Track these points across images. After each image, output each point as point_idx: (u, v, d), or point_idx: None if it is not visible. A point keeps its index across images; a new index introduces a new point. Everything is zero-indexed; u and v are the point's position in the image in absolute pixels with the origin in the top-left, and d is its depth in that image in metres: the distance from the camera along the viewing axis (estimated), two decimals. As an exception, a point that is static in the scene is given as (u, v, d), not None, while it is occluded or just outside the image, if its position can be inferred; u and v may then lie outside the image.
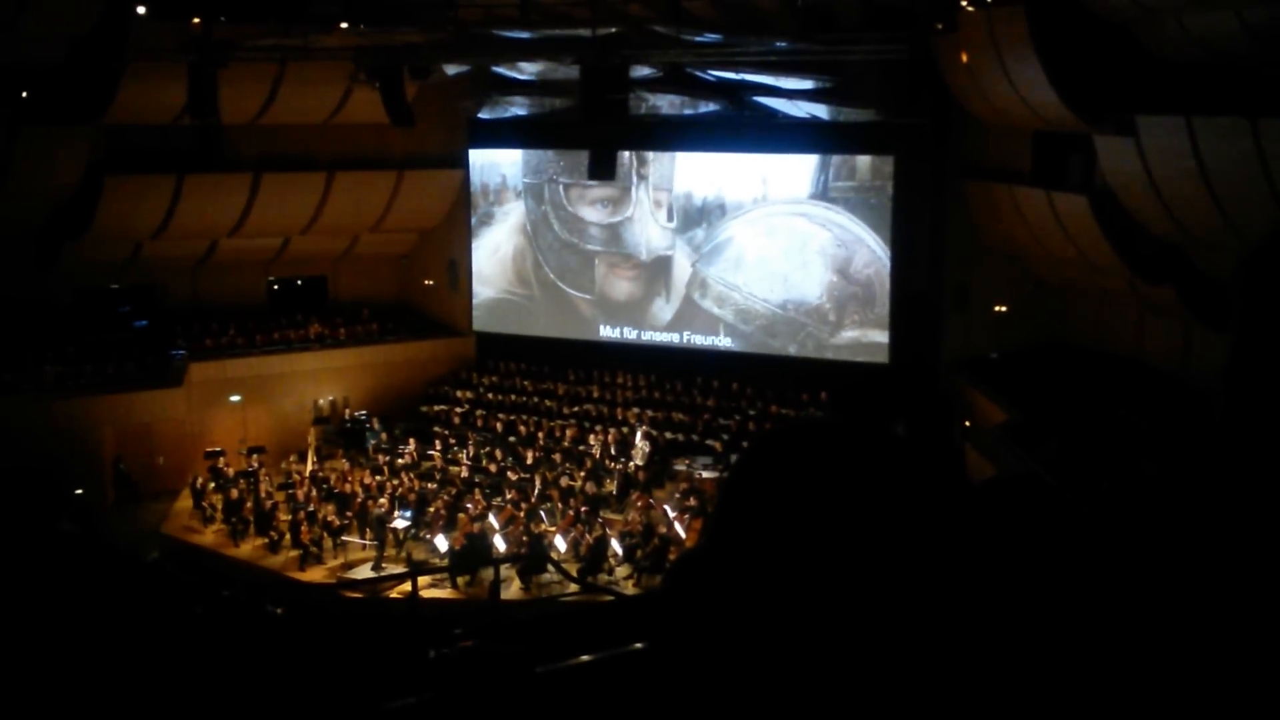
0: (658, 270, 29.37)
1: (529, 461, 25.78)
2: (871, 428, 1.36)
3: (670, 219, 29.10)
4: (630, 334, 29.84)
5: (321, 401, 29.60)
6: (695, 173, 28.81)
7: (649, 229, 29.37)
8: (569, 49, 23.71)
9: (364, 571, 21.96)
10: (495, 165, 31.04)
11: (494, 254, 31.38)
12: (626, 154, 28.21)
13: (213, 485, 25.32)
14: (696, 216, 28.79)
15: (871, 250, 26.91)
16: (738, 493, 1.37)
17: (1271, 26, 16.66)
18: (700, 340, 28.99)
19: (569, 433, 27.16)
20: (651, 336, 29.56)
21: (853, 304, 27.27)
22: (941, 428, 24.82)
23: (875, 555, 1.28)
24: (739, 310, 28.52)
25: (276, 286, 32.03)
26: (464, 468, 25.72)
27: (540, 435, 27.42)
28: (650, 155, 28.91)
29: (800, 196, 27.41)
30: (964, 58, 22.45)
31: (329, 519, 23.10)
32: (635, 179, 29.17)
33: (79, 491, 24.39)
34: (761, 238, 28.12)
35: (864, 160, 26.97)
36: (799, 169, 27.50)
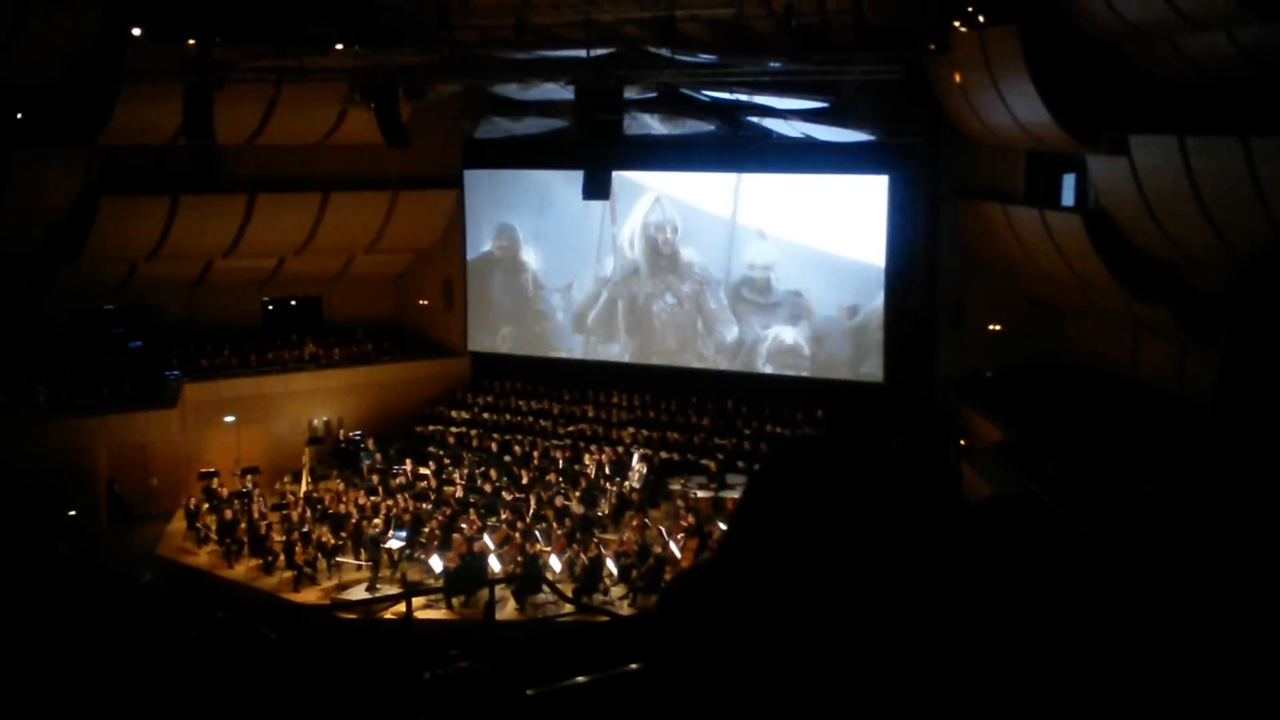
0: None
1: (524, 481, 25.73)
2: (870, 445, 1.36)
3: (671, 249, 29.20)
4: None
5: (316, 422, 29.52)
6: (707, 200, 28.90)
7: (655, 259, 29.48)
8: (564, 70, 23.78)
9: (358, 592, 21.89)
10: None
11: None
12: (631, 180, 28.34)
13: (207, 506, 25.25)
14: (707, 245, 28.91)
15: (853, 273, 27.01)
16: (755, 509, 1.36)
17: (1263, 46, 16.74)
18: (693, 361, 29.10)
19: (564, 453, 27.13)
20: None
21: (836, 330, 27.40)
22: (937, 445, 24.86)
23: (877, 574, 1.28)
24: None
25: (271, 307, 32.02)
26: (459, 488, 25.66)
27: (535, 455, 27.37)
28: (656, 180, 28.99)
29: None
30: (957, 78, 22.56)
31: (323, 540, 23.03)
32: (638, 206, 29.30)
33: (73, 513, 24.32)
34: (748, 273, 28.38)
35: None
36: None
